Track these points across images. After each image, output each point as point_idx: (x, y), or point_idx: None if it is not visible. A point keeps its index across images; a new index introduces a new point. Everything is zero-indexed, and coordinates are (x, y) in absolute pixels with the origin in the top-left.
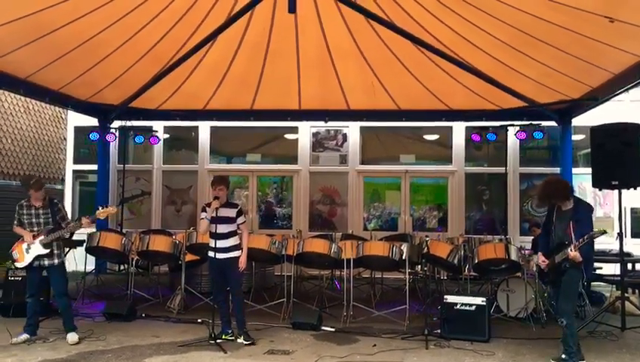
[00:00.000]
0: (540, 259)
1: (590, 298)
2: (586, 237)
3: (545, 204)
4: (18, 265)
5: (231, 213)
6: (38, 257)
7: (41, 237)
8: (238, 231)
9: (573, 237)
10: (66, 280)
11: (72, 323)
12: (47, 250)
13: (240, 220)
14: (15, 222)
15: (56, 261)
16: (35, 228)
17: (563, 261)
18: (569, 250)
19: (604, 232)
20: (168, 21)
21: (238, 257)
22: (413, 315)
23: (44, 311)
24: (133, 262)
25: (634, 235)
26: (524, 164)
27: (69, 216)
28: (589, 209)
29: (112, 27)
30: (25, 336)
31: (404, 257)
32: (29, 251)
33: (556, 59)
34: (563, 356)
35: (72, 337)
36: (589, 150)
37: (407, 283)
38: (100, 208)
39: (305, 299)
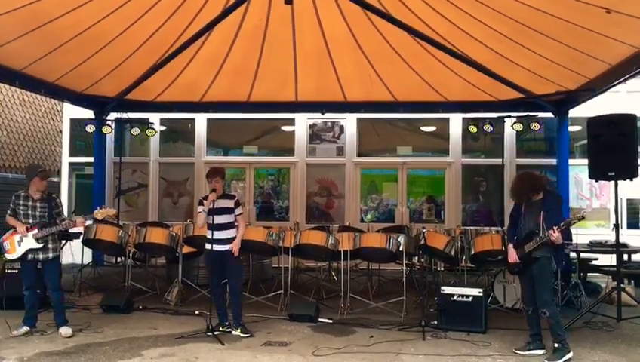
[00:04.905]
0: (512, 256)
1: (586, 288)
2: (562, 224)
3: (523, 200)
4: (8, 256)
5: (229, 203)
6: (32, 251)
7: (35, 231)
8: (236, 224)
9: (544, 226)
10: (60, 274)
11: (64, 317)
12: (41, 245)
13: (237, 211)
14: (9, 212)
15: (50, 255)
16: (30, 221)
17: (534, 250)
18: (550, 231)
19: (582, 218)
20: (165, 12)
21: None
22: (410, 306)
23: (41, 304)
24: (130, 255)
25: (630, 226)
26: (521, 155)
27: (66, 208)
28: (558, 199)
29: (109, 18)
30: (25, 329)
31: (401, 249)
32: (20, 244)
33: (553, 50)
34: (555, 345)
35: (66, 331)
36: (586, 141)
37: (404, 275)
38: (99, 208)
39: (302, 291)
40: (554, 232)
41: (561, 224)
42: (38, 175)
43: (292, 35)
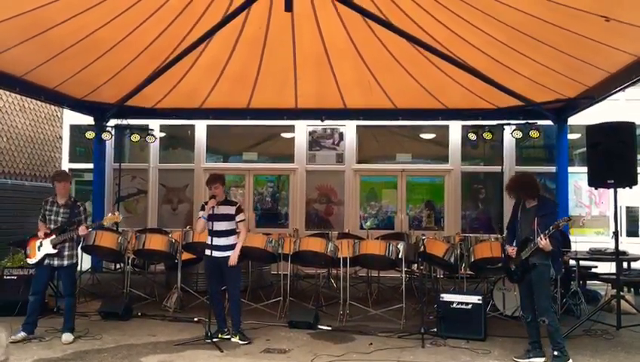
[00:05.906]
0: (510, 249)
1: (585, 296)
2: (551, 227)
3: (516, 196)
4: (29, 261)
5: (230, 210)
6: (49, 256)
7: (52, 237)
8: (237, 230)
9: (538, 232)
10: (74, 282)
11: (72, 324)
12: (56, 250)
13: (239, 218)
14: (39, 217)
15: (65, 262)
16: (52, 226)
17: (530, 256)
18: (539, 239)
19: (568, 220)
20: (165, 19)
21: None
22: (409, 314)
23: (40, 310)
24: (129, 261)
25: (629, 234)
26: (521, 162)
27: None
28: (554, 205)
29: (109, 25)
30: (22, 334)
31: (400, 256)
32: (40, 248)
33: (552, 58)
34: (555, 353)
35: (67, 337)
36: (585, 149)
37: (404, 282)
38: (110, 214)
39: (301, 298)
40: (541, 240)
41: (551, 228)
42: (55, 179)
43: (292, 41)
